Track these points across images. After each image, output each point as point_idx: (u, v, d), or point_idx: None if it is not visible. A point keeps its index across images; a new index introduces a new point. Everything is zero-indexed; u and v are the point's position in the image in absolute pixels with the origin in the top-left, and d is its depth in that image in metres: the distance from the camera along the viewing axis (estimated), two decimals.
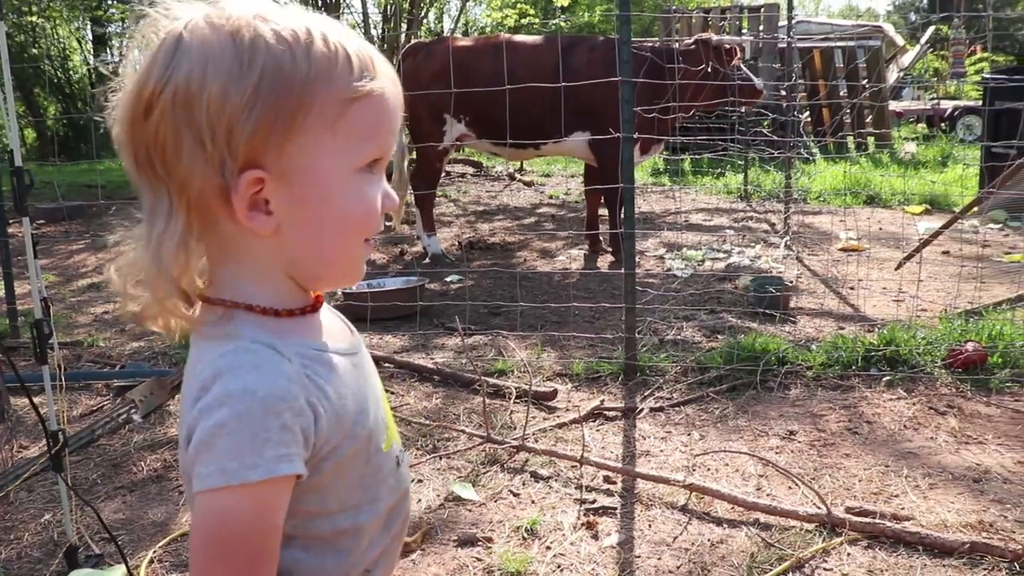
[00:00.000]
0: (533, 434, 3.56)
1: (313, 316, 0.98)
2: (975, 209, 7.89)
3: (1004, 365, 4.07)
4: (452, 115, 6.68)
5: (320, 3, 13.93)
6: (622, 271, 4.21)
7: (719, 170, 10.59)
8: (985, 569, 2.55)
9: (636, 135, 5.15)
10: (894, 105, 16.52)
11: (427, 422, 3.73)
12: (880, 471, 3.21)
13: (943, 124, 15.91)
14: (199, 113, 0.83)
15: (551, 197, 10.48)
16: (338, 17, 14.60)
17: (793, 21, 8.03)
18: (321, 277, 0.97)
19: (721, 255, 6.64)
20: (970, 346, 4.11)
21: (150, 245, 0.87)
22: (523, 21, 15.84)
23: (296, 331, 0.93)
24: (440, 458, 3.40)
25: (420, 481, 3.23)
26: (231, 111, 0.83)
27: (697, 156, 11.19)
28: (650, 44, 7.16)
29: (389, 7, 15.68)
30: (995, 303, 4.99)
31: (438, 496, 3.12)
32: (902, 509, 2.91)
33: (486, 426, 3.52)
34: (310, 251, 0.92)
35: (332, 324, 1.02)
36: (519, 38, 7.24)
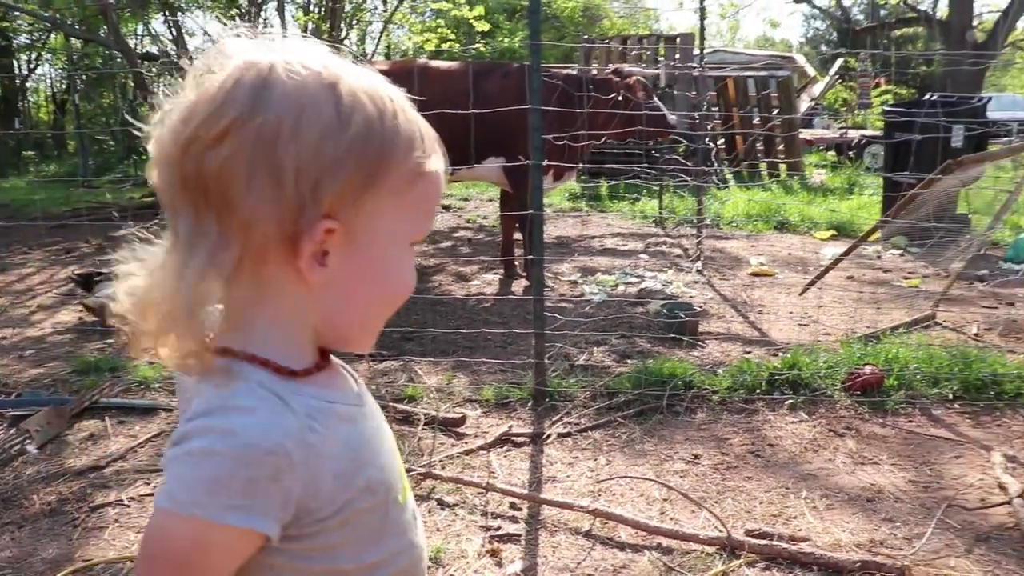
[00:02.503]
0: (440, 461, 3.55)
1: (326, 371, 0.95)
2: (877, 236, 8.20)
3: (899, 387, 4.22)
4: None
5: (239, 22, 13.80)
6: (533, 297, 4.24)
7: (635, 195, 10.76)
8: None
9: (547, 162, 5.22)
10: (805, 133, 17.03)
11: None
12: (780, 493, 3.28)
13: (851, 153, 16.46)
14: (285, 155, 0.82)
15: (469, 221, 10.50)
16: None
17: (708, 51, 8.24)
18: (348, 339, 0.95)
19: (634, 280, 6.74)
20: (868, 369, 4.25)
21: (185, 276, 0.83)
22: (444, 46, 15.87)
23: (309, 384, 0.90)
24: None
25: None
26: (323, 162, 0.83)
27: (614, 182, 11.36)
28: (564, 72, 7.26)
29: (308, 27, 15.60)
30: (893, 327, 5.17)
31: None
32: (799, 530, 2.99)
33: None
34: (347, 311, 0.92)
35: (338, 375, 0.99)
36: (434, 63, 7.27)
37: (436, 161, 0.92)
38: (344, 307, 0.91)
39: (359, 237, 0.87)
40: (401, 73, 6.73)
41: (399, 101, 0.89)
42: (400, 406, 4.10)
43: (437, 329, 5.33)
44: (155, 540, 0.83)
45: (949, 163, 4.48)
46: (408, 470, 3.40)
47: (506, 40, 23.10)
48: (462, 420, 3.94)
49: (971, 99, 9.00)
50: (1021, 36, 24.90)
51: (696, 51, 9.42)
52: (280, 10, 15.11)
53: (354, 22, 17.13)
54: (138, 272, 0.87)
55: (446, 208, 11.69)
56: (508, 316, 5.89)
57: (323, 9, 15.26)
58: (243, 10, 13.27)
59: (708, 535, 2.88)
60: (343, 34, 16.73)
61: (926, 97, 9.70)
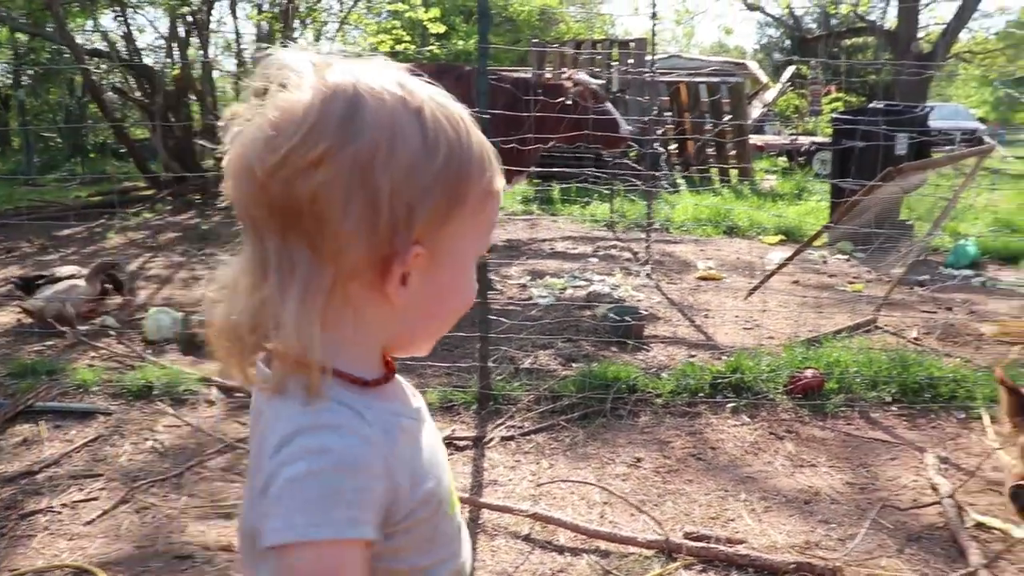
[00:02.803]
0: None
1: (391, 383, 0.97)
2: (824, 241, 8.33)
3: (839, 390, 4.28)
4: None
5: (191, 22, 13.61)
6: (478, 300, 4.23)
7: (586, 199, 10.81)
8: None
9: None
10: (756, 139, 17.25)
11: None
12: (719, 496, 3.32)
13: (800, 159, 16.70)
14: (382, 181, 0.83)
15: None
16: (207, 36, 14.29)
17: (662, 56, 8.30)
18: (414, 348, 0.99)
19: (583, 283, 6.76)
20: (809, 373, 4.31)
21: (288, 300, 0.84)
22: (398, 47, 15.79)
23: (378, 397, 0.92)
24: None
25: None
26: (415, 188, 0.85)
27: (565, 185, 11.40)
28: (514, 75, 7.27)
29: (262, 27, 15.45)
30: (835, 331, 5.25)
31: None
32: (737, 532, 3.02)
33: None
34: (421, 326, 0.95)
35: (400, 388, 1.01)
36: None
37: (500, 178, 0.95)
38: (420, 323, 0.94)
39: (440, 258, 0.90)
40: None
41: (468, 120, 0.92)
42: None
43: None
44: None
45: (890, 170, 4.57)
46: None
47: (461, 42, 23.06)
48: None
49: (914, 108, 9.19)
50: (964, 48, 25.49)
51: (648, 56, 9.48)
52: (232, 7, 14.93)
53: (308, 22, 16.98)
54: (225, 292, 0.90)
55: None
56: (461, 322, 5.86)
57: (277, 7, 15.12)
58: (194, 7, 13.08)
59: (646, 538, 2.90)
60: (297, 33, 16.60)
61: (870, 105, 9.88)
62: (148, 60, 15.01)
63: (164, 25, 14.53)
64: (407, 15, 15.26)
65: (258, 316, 0.86)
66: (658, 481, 3.43)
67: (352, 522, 0.81)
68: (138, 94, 14.25)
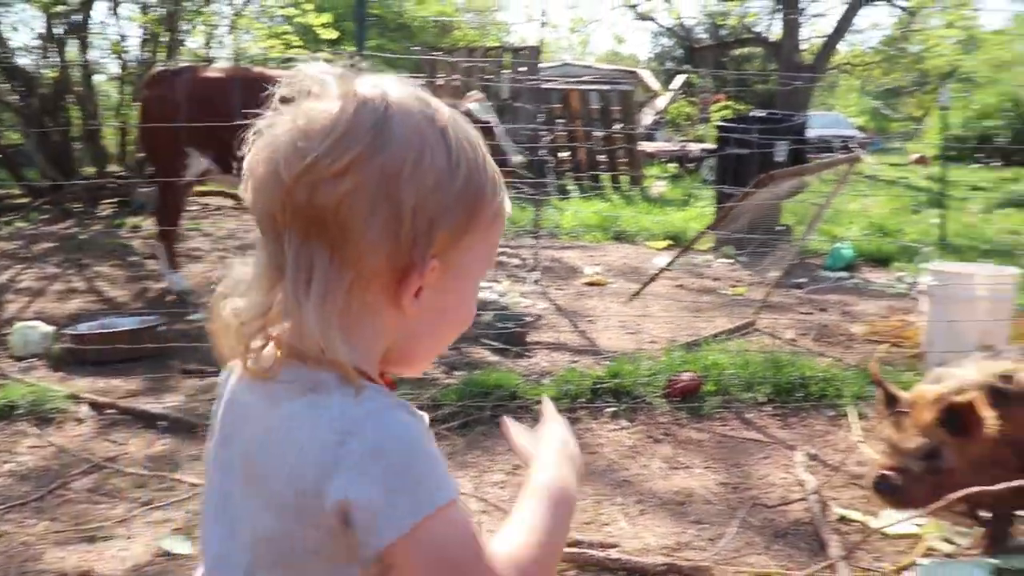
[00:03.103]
0: None
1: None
2: (709, 245, 8.55)
3: (716, 392, 4.39)
4: (196, 148, 6.42)
5: (69, 24, 13.07)
6: None
7: None
8: None
9: None
10: (648, 146, 17.60)
11: (144, 472, 3.52)
12: (595, 500, 3.35)
13: (690, 165, 17.12)
14: (406, 194, 0.87)
15: None
16: (86, 37, 13.75)
17: (554, 64, 8.38)
18: (412, 364, 1.02)
19: None
20: (686, 376, 4.40)
21: (307, 301, 0.86)
22: (290, 52, 15.50)
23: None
24: (155, 510, 3.21)
25: (129, 538, 3.03)
26: (437, 205, 0.89)
27: None
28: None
29: (146, 30, 14.97)
30: (714, 334, 5.39)
31: (147, 552, 2.94)
32: (611, 536, 3.05)
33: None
34: (424, 338, 0.98)
35: None
36: (271, 71, 7.11)
37: (508, 201, 1.00)
38: (425, 338, 0.98)
39: (452, 274, 0.94)
40: (236, 80, 6.58)
41: (484, 143, 0.97)
42: None
43: None
44: (442, 547, 0.85)
45: (762, 177, 4.72)
46: None
47: (352, 46, 22.84)
48: None
49: (792, 116, 9.54)
50: (844, 60, 26.55)
51: (540, 64, 9.54)
52: (115, 8, 14.40)
53: (195, 25, 16.52)
54: (240, 290, 0.92)
55: None
56: None
57: (162, 10, 14.67)
58: (71, 6, 12.57)
59: None
60: (184, 37, 16.16)
61: (751, 114, 10.21)
62: (23, 61, 14.36)
63: (41, 24, 13.88)
64: (297, 20, 15.02)
65: (270, 315, 0.89)
66: None
67: (451, 478, 0.88)
68: (14, 97, 13.61)
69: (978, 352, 3.09)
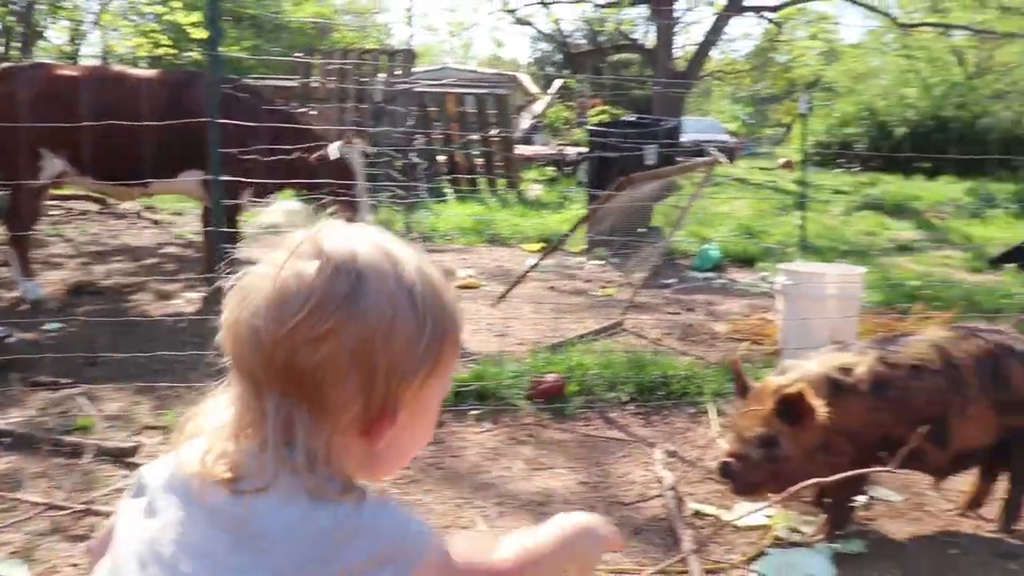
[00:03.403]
0: (107, 495, 3.29)
1: None
2: (582, 247, 8.67)
3: (580, 392, 4.43)
4: (50, 149, 6.11)
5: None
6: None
7: None
8: None
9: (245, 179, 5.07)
10: (525, 149, 17.75)
11: None
12: (456, 504, 3.33)
13: (567, 168, 17.35)
14: (379, 360, 0.93)
15: (178, 237, 9.96)
16: None
17: (432, 68, 8.33)
18: (379, 476, 1.11)
19: None
20: (550, 377, 4.43)
21: (291, 448, 0.94)
22: (158, 51, 15.00)
23: None
24: None
25: None
26: (407, 366, 0.95)
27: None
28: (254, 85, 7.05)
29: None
30: (581, 335, 5.45)
31: None
32: None
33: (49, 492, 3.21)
34: (389, 462, 1.06)
35: None
36: (131, 70, 6.85)
37: (463, 327, 1.05)
38: (392, 460, 1.06)
39: (416, 411, 1.01)
40: (92, 78, 6.30)
41: (444, 280, 1.02)
42: (70, 438, 3.78)
43: (124, 353, 4.96)
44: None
45: (621, 180, 4.80)
46: (63, 508, 3.14)
47: (231, 48, 22.25)
48: (134, 450, 3.70)
49: (660, 121, 9.78)
50: (716, 68, 27.51)
51: (417, 67, 9.48)
52: None
53: (53, 20, 15.79)
54: (208, 428, 1.00)
55: (155, 223, 11.05)
56: (208, 336, 5.60)
57: (15, 4, 13.95)
58: None
59: None
60: (43, 31, 15.39)
61: (622, 118, 10.42)
62: None
63: None
64: (165, 18, 14.55)
65: (240, 464, 0.95)
66: (397, 493, 3.40)
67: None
68: None
69: (829, 347, 3.23)
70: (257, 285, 0.94)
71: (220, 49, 4.67)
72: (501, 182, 13.57)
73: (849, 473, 2.72)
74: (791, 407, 2.76)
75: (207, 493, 0.96)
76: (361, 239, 0.97)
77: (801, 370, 2.96)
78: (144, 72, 6.78)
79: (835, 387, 2.87)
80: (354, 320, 0.92)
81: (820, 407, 2.73)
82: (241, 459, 0.96)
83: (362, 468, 1.03)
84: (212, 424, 1.00)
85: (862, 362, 2.97)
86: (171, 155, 5.93)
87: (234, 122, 4.81)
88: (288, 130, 6.17)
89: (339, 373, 0.92)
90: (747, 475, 2.81)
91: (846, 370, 2.95)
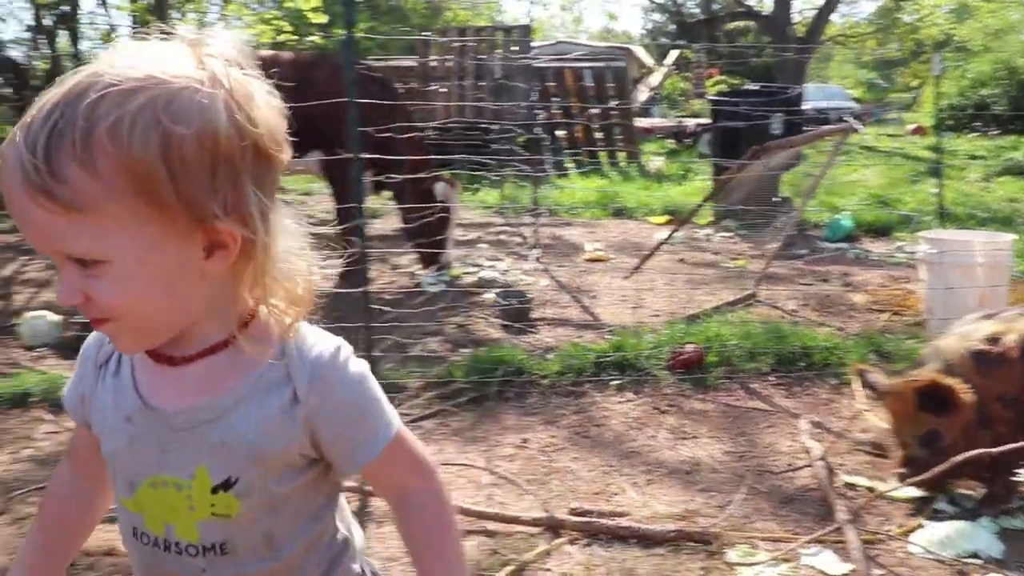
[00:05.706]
0: None
1: None
2: (709, 219, 8.57)
3: (719, 363, 4.42)
4: None
5: (59, 15, 13.03)
6: (361, 290, 4.20)
7: (476, 186, 10.83)
8: (687, 553, 2.75)
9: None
10: (644, 122, 17.57)
11: None
12: (604, 471, 3.38)
13: (687, 140, 17.10)
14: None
15: (310, 216, 10.29)
16: (76, 28, 13.71)
17: (548, 43, 8.34)
18: None
19: (472, 269, 6.79)
20: (689, 347, 4.43)
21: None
22: (280, 37, 15.45)
23: None
24: None
25: None
26: None
27: (455, 172, 11.40)
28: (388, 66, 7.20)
29: (135, 18, 14.88)
30: (716, 306, 5.41)
31: None
32: (621, 506, 3.09)
33: None
34: None
35: None
36: (268, 52, 7.13)
37: None
38: None
39: None
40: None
41: None
42: None
43: None
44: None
45: (755, 149, 4.72)
46: None
47: (344, 31, 22.74)
48: None
49: (786, 89, 9.53)
50: (838, 32, 26.49)
51: (532, 43, 9.51)
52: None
53: (185, 13, 16.45)
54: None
55: (286, 204, 11.43)
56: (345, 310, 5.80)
57: None
58: None
59: (532, 516, 2.94)
60: (174, 24, 16.03)
61: (745, 87, 10.19)
62: (13, 53, 14.32)
63: (30, 16, 13.81)
64: (287, 4, 14.96)
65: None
66: (545, 460, 3.48)
67: None
68: (7, 90, 13.59)
69: (970, 316, 3.16)
70: None
71: (339, 31, 4.80)
72: (621, 155, 13.48)
73: (1013, 446, 2.66)
74: (932, 399, 2.76)
75: None
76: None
77: (936, 354, 2.96)
78: (280, 53, 7.02)
79: (981, 359, 2.84)
80: None
81: (960, 387, 2.71)
82: None
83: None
84: None
85: (1012, 329, 2.91)
86: (299, 135, 6.15)
87: (370, 101, 4.95)
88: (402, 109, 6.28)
89: None
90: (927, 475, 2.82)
91: (993, 340, 2.89)
